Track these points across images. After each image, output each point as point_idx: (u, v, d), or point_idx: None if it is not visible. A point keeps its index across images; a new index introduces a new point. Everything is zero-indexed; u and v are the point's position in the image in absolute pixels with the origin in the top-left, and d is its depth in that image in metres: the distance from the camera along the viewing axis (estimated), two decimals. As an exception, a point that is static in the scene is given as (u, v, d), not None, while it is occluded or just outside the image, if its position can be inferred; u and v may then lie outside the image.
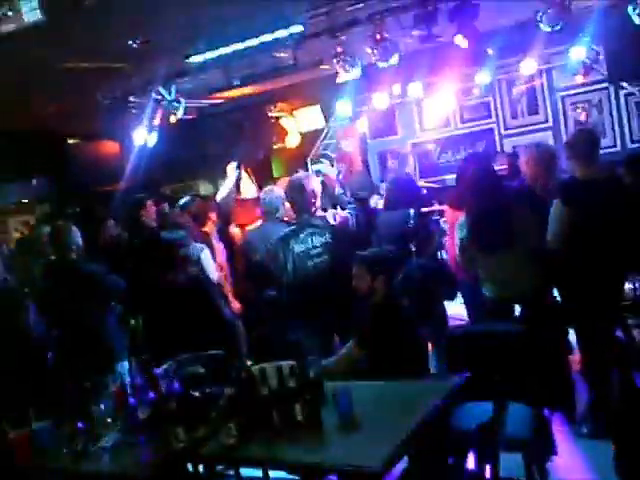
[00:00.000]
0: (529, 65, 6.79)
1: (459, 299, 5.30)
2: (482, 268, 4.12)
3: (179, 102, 5.90)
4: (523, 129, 8.12)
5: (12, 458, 2.86)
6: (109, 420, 3.00)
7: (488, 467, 2.71)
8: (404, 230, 4.81)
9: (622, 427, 2.74)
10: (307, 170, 7.60)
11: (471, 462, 2.96)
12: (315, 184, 4.44)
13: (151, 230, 5.23)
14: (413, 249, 4.74)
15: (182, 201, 5.59)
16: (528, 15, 4.91)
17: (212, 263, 5.03)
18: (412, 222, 4.83)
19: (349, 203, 5.06)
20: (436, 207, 6.21)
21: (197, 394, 2.97)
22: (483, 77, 7.09)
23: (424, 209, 7.09)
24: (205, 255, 4.99)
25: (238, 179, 5.96)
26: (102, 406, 3.03)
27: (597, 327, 3.83)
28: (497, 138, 8.33)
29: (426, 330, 4.47)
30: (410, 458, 2.76)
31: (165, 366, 3.29)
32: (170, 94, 5.86)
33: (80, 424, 2.88)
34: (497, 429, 2.58)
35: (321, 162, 6.85)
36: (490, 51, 6.82)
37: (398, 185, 5.07)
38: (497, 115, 8.31)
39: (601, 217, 3.71)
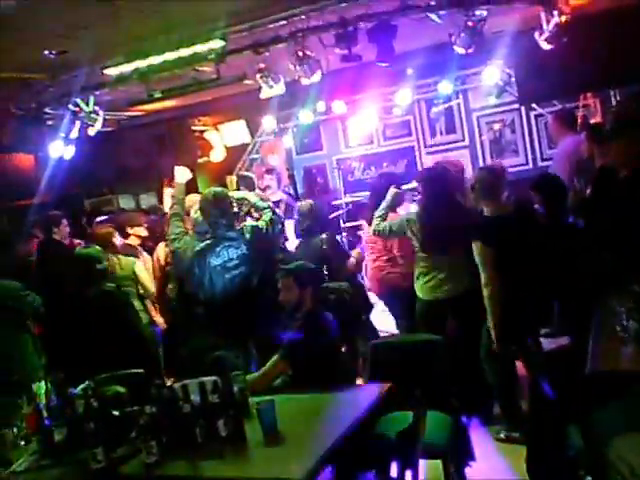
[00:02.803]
0: (446, 86, 7.08)
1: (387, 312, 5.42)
2: (427, 268, 4.37)
3: (97, 114, 5.75)
4: (442, 147, 8.43)
5: None
6: (22, 443, 2.88)
7: (409, 474, 2.77)
8: (319, 255, 4.86)
9: (531, 431, 2.88)
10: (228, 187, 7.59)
11: (394, 470, 3.02)
12: (230, 199, 4.46)
13: (63, 246, 5.09)
14: (326, 272, 4.82)
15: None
16: (444, 38, 5.12)
17: (147, 274, 4.99)
18: (325, 247, 4.91)
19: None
20: (359, 222, 6.33)
21: (116, 413, 2.90)
22: (403, 97, 7.33)
23: (349, 224, 7.22)
24: (139, 267, 4.93)
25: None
26: (15, 429, 2.90)
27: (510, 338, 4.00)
28: (418, 155, 8.60)
29: (356, 343, 4.56)
30: (334, 468, 2.79)
31: (83, 386, 3.19)
32: (88, 105, 5.71)
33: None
34: (416, 437, 2.64)
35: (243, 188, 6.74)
36: (410, 71, 7.08)
37: (312, 212, 5.15)
38: (417, 133, 8.59)
39: (516, 247, 3.87)
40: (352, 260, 5.12)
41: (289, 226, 5.74)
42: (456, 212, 4.39)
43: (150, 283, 5.12)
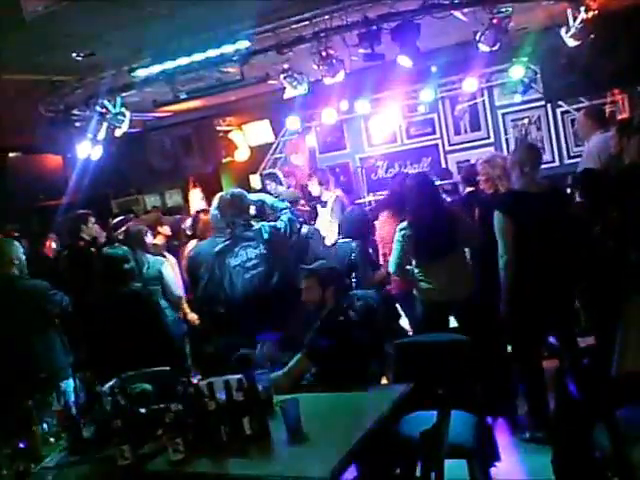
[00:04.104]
0: (470, 83, 7.03)
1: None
2: (424, 274, 4.37)
3: (124, 115, 5.83)
4: (466, 145, 8.36)
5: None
6: (52, 439, 2.94)
7: (433, 474, 2.76)
8: (347, 263, 4.85)
9: (558, 431, 2.85)
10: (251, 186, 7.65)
11: (418, 470, 3.01)
12: (247, 200, 4.50)
13: (90, 245, 5.17)
14: (354, 280, 4.81)
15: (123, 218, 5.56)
16: (468, 35, 5.08)
17: (173, 275, 5.03)
18: (354, 255, 4.89)
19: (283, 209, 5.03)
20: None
21: (143, 411, 2.94)
22: (427, 94, 7.30)
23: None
24: (166, 267, 4.98)
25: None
26: (45, 425, 2.97)
27: (533, 336, 3.98)
28: (442, 153, 8.55)
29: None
30: (359, 467, 2.80)
31: (110, 383, 3.24)
32: (115, 107, 5.79)
33: (22, 444, 2.80)
34: (441, 437, 2.64)
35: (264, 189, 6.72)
36: (433, 69, 7.04)
37: (349, 218, 5.14)
38: (441, 131, 8.54)
39: (538, 227, 3.86)
40: (382, 271, 5.08)
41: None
42: (445, 218, 4.37)
43: (175, 285, 5.11)
